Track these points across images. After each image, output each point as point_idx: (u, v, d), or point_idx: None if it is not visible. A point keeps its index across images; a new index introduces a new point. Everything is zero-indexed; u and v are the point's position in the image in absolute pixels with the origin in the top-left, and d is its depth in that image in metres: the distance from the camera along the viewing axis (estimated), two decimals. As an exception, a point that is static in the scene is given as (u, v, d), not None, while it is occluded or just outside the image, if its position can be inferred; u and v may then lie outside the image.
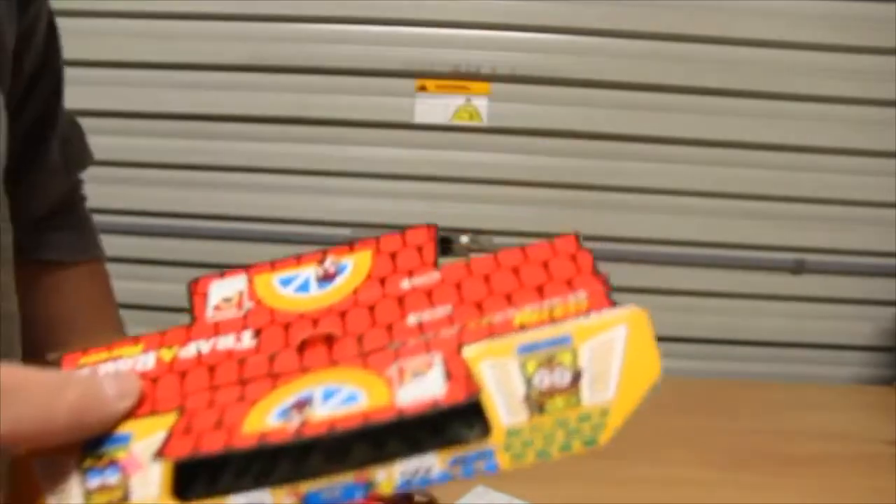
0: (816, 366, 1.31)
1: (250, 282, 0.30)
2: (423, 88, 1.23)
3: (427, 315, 0.27)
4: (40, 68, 0.52)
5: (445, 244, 1.27)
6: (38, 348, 0.55)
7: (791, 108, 1.23)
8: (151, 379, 0.27)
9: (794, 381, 1.27)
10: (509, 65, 1.22)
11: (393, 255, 0.30)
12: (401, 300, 0.28)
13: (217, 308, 0.30)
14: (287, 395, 0.25)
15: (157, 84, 1.23)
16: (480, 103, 1.23)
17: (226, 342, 0.28)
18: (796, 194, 1.26)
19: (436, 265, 0.29)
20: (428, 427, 0.23)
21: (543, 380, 0.24)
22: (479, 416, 0.23)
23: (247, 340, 0.28)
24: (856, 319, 1.30)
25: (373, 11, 1.20)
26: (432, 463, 0.23)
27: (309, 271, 0.30)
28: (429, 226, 0.30)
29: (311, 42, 1.22)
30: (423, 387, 0.24)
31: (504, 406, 0.23)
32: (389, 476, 0.23)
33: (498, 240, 1.27)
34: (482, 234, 1.27)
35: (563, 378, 0.24)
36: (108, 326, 0.59)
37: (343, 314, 0.28)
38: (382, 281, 0.29)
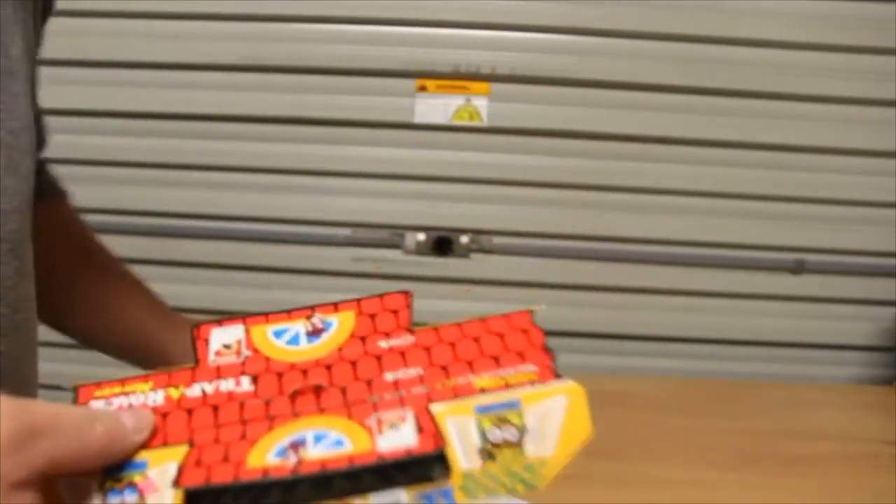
0: (816, 366, 1.31)
1: (247, 331, 0.35)
2: (423, 88, 1.23)
3: (401, 374, 0.32)
4: None
5: (445, 244, 1.27)
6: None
7: (791, 108, 1.23)
8: (162, 414, 0.31)
9: (794, 381, 1.27)
10: (509, 65, 1.21)
11: (372, 317, 0.35)
12: (379, 358, 0.33)
13: (218, 353, 0.34)
14: (283, 436, 0.30)
15: (156, 84, 1.23)
16: (480, 103, 1.23)
17: (227, 385, 0.33)
18: (796, 194, 1.26)
19: (410, 329, 0.34)
20: (397, 467, 0.28)
21: (496, 435, 0.29)
22: (442, 461, 0.28)
23: (245, 385, 0.33)
24: (856, 319, 1.30)
25: (373, 11, 1.20)
26: (401, 496, 0.28)
27: (299, 325, 0.35)
28: (405, 292, 0.36)
29: (310, 42, 1.21)
30: (398, 437, 0.29)
31: (463, 454, 0.29)
32: None
33: (498, 240, 1.27)
34: (482, 234, 1.27)
35: (511, 434, 0.29)
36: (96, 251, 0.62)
37: (329, 367, 0.33)
38: (363, 339, 0.34)
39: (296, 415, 0.31)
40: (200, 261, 1.28)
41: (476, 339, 0.33)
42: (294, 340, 0.34)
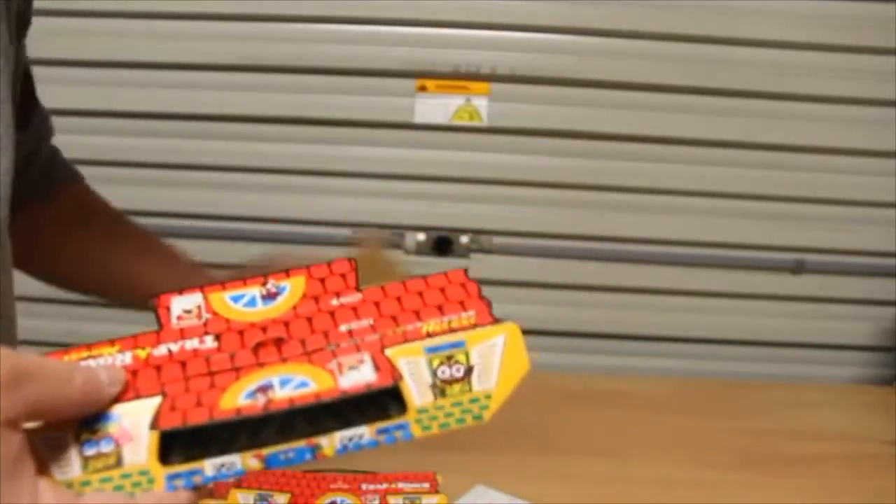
0: (816, 366, 1.31)
1: (206, 298, 0.37)
2: (423, 88, 1.23)
3: (355, 325, 0.35)
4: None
5: (445, 244, 1.27)
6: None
7: (791, 108, 1.23)
8: (131, 372, 0.33)
9: (794, 381, 1.27)
10: (509, 65, 1.21)
11: (322, 280, 0.38)
12: (332, 314, 0.36)
13: (179, 318, 0.36)
14: (250, 383, 0.32)
15: (156, 84, 1.23)
16: (480, 103, 1.23)
17: (192, 343, 0.35)
18: (796, 194, 1.26)
19: (358, 289, 0.37)
20: (354, 408, 0.31)
21: (445, 372, 0.32)
22: (398, 400, 0.31)
23: (209, 342, 0.35)
24: (856, 319, 1.30)
25: (373, 11, 1.20)
26: (364, 432, 0.31)
27: (254, 290, 0.37)
28: (349, 259, 0.39)
29: (310, 42, 1.21)
30: (358, 375, 0.31)
31: (416, 391, 0.31)
32: (331, 442, 0.31)
33: (498, 240, 1.27)
34: (482, 234, 1.27)
35: (458, 371, 0.32)
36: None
37: (287, 324, 0.35)
38: (316, 299, 0.37)
39: (260, 365, 0.33)
40: (200, 261, 1.27)
41: (419, 293, 0.36)
42: (251, 303, 0.37)
